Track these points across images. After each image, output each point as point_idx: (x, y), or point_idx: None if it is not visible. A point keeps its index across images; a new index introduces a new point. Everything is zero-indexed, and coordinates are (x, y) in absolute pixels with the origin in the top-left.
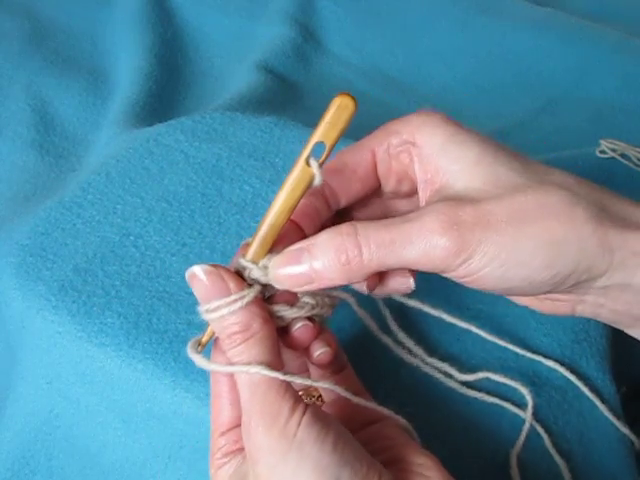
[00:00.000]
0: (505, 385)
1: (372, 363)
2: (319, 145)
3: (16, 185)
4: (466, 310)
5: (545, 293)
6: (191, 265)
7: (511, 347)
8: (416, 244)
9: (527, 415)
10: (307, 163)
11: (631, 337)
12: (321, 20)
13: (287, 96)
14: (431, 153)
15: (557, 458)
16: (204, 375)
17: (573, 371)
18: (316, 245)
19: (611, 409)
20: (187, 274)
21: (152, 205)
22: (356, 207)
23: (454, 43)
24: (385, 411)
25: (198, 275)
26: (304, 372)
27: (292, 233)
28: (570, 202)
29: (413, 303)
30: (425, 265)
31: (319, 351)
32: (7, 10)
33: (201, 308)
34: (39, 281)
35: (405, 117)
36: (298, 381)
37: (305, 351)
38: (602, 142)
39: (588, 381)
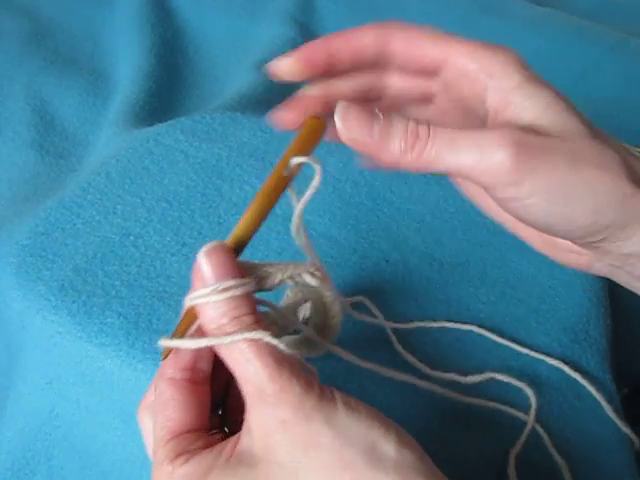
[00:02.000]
0: (507, 385)
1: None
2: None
3: (16, 185)
4: (466, 310)
5: (576, 239)
6: (191, 265)
7: (513, 346)
8: (475, 151)
9: (530, 416)
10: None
11: (631, 337)
12: (321, 20)
13: (287, 96)
14: (508, 88)
15: (557, 458)
16: None
17: (573, 371)
18: (393, 118)
19: (612, 409)
20: (202, 252)
21: (152, 205)
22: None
23: None
24: None
25: (213, 253)
26: None
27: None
28: (618, 161)
29: (415, 324)
30: (477, 175)
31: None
32: (7, 10)
33: (203, 291)
34: (39, 281)
35: (488, 46)
36: (299, 356)
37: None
38: None
39: (588, 381)
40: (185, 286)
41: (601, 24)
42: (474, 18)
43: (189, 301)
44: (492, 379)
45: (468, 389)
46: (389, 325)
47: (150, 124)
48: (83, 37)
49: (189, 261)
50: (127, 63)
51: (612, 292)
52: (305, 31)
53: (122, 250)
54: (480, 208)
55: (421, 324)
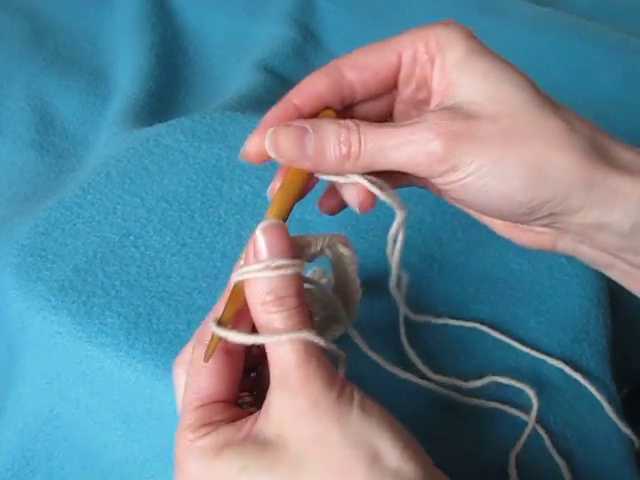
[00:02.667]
0: (508, 385)
1: (374, 365)
2: None
3: (16, 185)
4: (466, 311)
5: (521, 220)
6: (191, 265)
7: (515, 344)
8: (405, 147)
9: (531, 417)
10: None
11: (631, 337)
12: (321, 20)
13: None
14: (449, 65)
15: (557, 458)
16: None
17: (574, 371)
18: (321, 128)
19: (612, 409)
20: (259, 228)
21: (152, 205)
22: (361, 107)
23: None
24: None
25: (270, 230)
26: None
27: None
28: (562, 130)
29: (419, 317)
30: (412, 169)
31: None
32: (7, 10)
33: (256, 266)
34: (39, 281)
35: (432, 25)
36: (332, 348)
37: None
38: (609, 135)
39: (589, 381)
40: (185, 286)
41: (601, 24)
42: (474, 18)
43: (239, 276)
44: (493, 382)
45: (469, 392)
46: (404, 311)
47: (150, 124)
48: (83, 37)
49: (189, 261)
50: (127, 63)
51: (612, 292)
52: (305, 31)
53: (122, 250)
54: (441, 197)
55: (428, 317)
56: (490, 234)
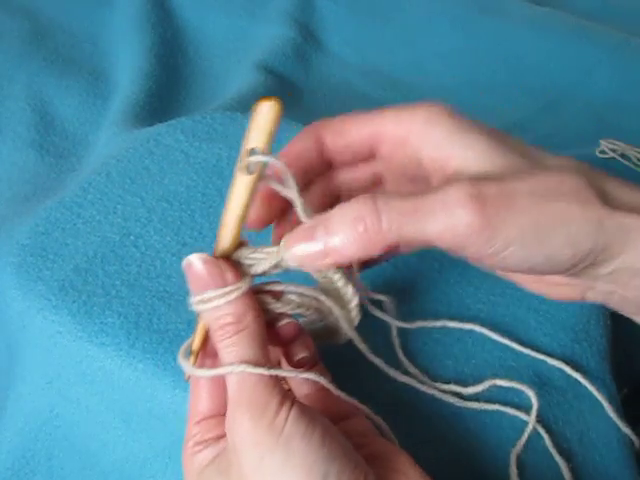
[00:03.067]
0: (508, 387)
1: (373, 367)
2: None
3: (16, 185)
4: (466, 310)
5: (563, 273)
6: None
7: (515, 346)
8: (439, 216)
9: (531, 418)
10: (247, 171)
11: (631, 337)
12: (321, 20)
13: (287, 96)
14: (440, 142)
15: (557, 458)
16: None
17: (574, 371)
18: (331, 218)
19: (613, 409)
20: (184, 263)
21: (152, 205)
22: (344, 172)
23: (454, 43)
24: (362, 407)
25: (194, 264)
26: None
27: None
28: (586, 185)
29: (418, 324)
30: (447, 240)
31: (300, 355)
32: (7, 10)
33: (194, 299)
34: (39, 281)
35: (415, 106)
36: (283, 374)
37: (284, 350)
38: (602, 142)
39: (589, 381)
40: (186, 286)
41: (601, 24)
42: (474, 18)
43: (190, 304)
44: (493, 385)
45: (469, 397)
46: (396, 324)
47: (150, 124)
48: (83, 37)
49: None
50: (127, 63)
51: None
52: (305, 31)
53: (122, 250)
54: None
55: (424, 323)
56: None
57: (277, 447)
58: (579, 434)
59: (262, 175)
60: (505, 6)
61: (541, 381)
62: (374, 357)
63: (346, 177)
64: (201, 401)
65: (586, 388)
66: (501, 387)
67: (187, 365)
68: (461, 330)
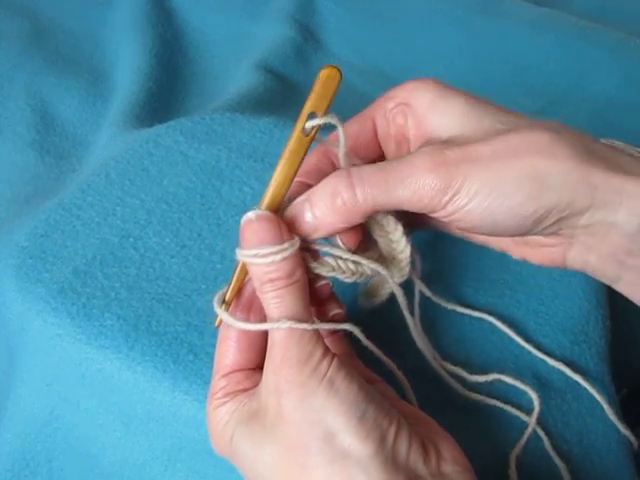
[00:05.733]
0: (509, 386)
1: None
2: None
3: (16, 186)
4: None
5: (529, 232)
6: (191, 267)
7: (520, 341)
8: (407, 183)
9: (532, 419)
10: (303, 133)
11: (631, 338)
12: (321, 20)
13: (287, 96)
14: (422, 111)
15: (557, 459)
16: (203, 377)
17: (574, 373)
18: (314, 193)
19: (612, 411)
20: (244, 219)
21: (151, 207)
22: None
23: (454, 43)
24: (389, 363)
25: (255, 220)
26: None
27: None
28: (553, 139)
29: (436, 299)
30: (415, 204)
31: (334, 311)
32: (7, 10)
33: (248, 252)
34: (39, 283)
35: (399, 85)
36: (325, 327)
37: (318, 308)
38: (602, 142)
39: (588, 382)
40: (185, 288)
41: (601, 24)
42: (474, 18)
43: (239, 256)
44: (498, 380)
45: (471, 386)
46: (420, 287)
47: (150, 124)
48: (83, 37)
49: (188, 263)
50: (127, 63)
51: (611, 293)
52: (305, 31)
53: (121, 252)
54: (450, 233)
55: (439, 300)
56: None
57: (319, 388)
58: (578, 435)
59: (316, 137)
60: (505, 6)
61: (540, 382)
62: (410, 317)
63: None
64: (229, 354)
65: (585, 389)
66: (502, 386)
67: (228, 316)
68: (465, 327)
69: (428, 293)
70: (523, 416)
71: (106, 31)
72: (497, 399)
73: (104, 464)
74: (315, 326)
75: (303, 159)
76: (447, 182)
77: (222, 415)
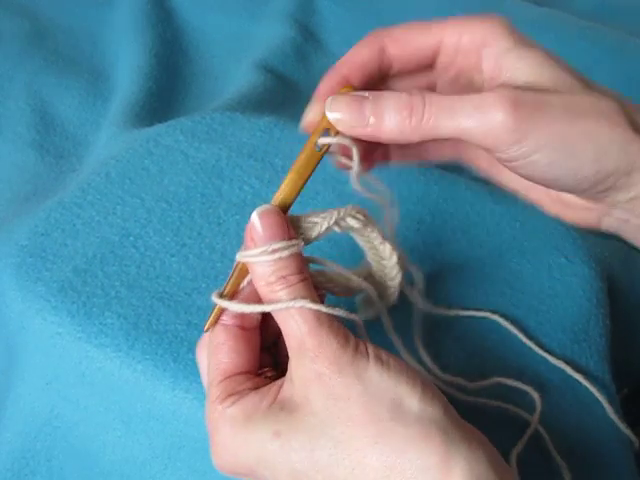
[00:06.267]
0: (511, 386)
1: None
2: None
3: (16, 185)
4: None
5: (582, 193)
6: (191, 266)
7: (521, 336)
8: (475, 115)
9: (534, 419)
10: (316, 147)
11: (631, 337)
12: (321, 20)
13: (287, 96)
14: (500, 53)
15: (557, 458)
16: None
17: (575, 372)
18: (383, 96)
19: (613, 410)
20: (254, 215)
21: (152, 206)
22: (396, 82)
23: None
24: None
25: (265, 214)
26: None
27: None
28: (620, 109)
29: (439, 310)
30: (478, 138)
31: None
32: (7, 10)
33: (255, 251)
34: (39, 282)
35: (476, 18)
36: (339, 314)
37: None
38: None
39: (589, 381)
40: (185, 287)
41: (601, 24)
42: None
43: (240, 257)
44: (498, 383)
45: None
46: (419, 306)
47: (150, 124)
48: (83, 37)
49: (189, 262)
50: (127, 63)
51: (612, 292)
52: (305, 31)
53: (122, 251)
54: (488, 175)
55: (439, 310)
56: (490, 234)
57: (369, 364)
58: (578, 434)
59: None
60: (505, 6)
61: (541, 381)
62: (395, 337)
63: (401, 85)
64: (224, 360)
65: (586, 388)
66: (503, 387)
67: (233, 304)
68: (466, 329)
69: (428, 308)
70: (524, 414)
71: (106, 31)
72: (497, 399)
73: (104, 463)
74: (330, 310)
75: (313, 171)
76: (518, 124)
77: (234, 415)
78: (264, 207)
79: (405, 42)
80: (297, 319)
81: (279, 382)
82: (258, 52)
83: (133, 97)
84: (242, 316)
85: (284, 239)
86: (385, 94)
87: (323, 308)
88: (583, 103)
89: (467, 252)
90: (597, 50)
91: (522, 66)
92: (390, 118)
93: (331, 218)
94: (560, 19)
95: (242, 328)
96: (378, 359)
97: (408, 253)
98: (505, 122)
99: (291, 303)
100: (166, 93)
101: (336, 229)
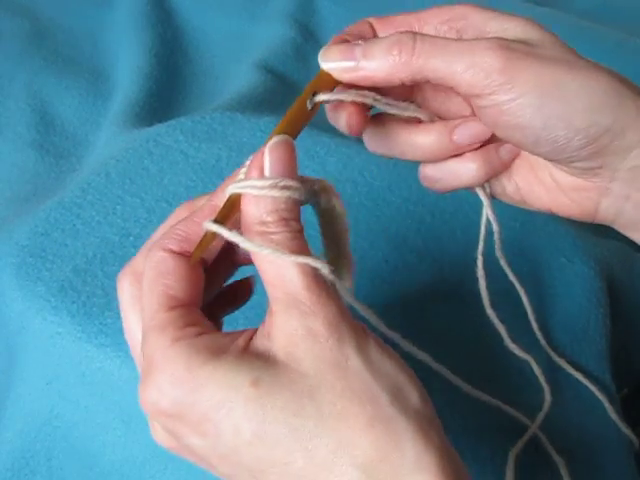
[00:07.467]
0: (511, 386)
1: None
2: None
3: (16, 185)
4: (466, 310)
5: (574, 155)
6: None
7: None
8: (465, 55)
9: (536, 420)
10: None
11: (631, 337)
12: (321, 20)
13: (287, 96)
14: (483, 20)
15: (556, 458)
16: None
17: (575, 371)
18: (374, 39)
19: (613, 410)
20: (270, 143)
21: (152, 205)
22: None
23: None
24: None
25: (282, 147)
26: None
27: None
28: (614, 76)
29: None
30: (467, 79)
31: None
32: (7, 10)
33: (262, 182)
34: (39, 282)
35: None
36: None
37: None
38: None
39: (589, 381)
40: None
41: (601, 24)
42: None
43: (239, 188)
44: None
45: (470, 384)
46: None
47: (150, 124)
48: (83, 37)
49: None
50: (127, 63)
51: (612, 292)
52: (305, 31)
53: (122, 251)
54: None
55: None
56: (490, 234)
57: (369, 339)
58: (578, 434)
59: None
60: (505, 6)
61: (541, 381)
62: (388, 330)
63: None
64: (174, 286)
65: (586, 388)
66: (504, 386)
67: (226, 231)
68: (462, 329)
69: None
70: (523, 418)
71: (106, 31)
72: (497, 399)
73: (104, 463)
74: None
75: (302, 128)
76: (506, 65)
77: (200, 346)
78: (280, 137)
79: (387, 21)
80: (292, 270)
81: (246, 334)
82: (258, 52)
83: (133, 97)
84: (191, 244)
85: (295, 179)
86: (375, 39)
87: (331, 276)
88: (579, 61)
89: (467, 252)
90: (597, 50)
91: (510, 26)
92: (381, 57)
93: (319, 183)
94: (560, 19)
95: (190, 263)
96: (378, 342)
97: (409, 253)
98: (495, 62)
99: (303, 259)
100: (166, 93)
101: (316, 201)
